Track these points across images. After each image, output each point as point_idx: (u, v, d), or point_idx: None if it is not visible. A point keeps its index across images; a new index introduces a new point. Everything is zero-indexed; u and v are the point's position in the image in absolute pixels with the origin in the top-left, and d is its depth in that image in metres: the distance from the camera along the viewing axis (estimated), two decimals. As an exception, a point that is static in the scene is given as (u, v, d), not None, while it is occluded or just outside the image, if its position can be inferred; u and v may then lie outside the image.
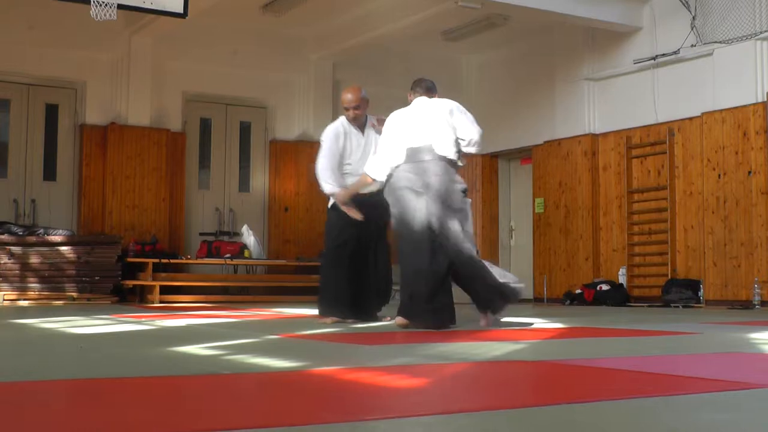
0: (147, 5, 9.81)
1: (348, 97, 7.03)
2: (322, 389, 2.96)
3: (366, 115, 7.13)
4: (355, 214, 6.80)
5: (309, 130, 13.96)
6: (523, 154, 14.97)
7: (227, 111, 14.28)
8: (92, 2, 9.18)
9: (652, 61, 12.43)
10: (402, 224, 6.28)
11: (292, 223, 14.28)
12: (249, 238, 13.37)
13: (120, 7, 9.42)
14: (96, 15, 9.21)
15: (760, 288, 10.84)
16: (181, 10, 9.97)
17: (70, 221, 12.89)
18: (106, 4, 9.21)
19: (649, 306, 11.87)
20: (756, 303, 10.79)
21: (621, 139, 12.94)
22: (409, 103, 6.66)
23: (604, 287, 12.41)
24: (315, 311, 7.40)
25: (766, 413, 2.49)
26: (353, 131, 7.08)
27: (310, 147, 13.93)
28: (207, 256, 12.98)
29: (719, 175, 11.49)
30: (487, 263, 6.56)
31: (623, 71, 12.94)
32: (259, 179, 14.42)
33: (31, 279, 11.46)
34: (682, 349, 4.80)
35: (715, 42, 11.54)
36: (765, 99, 11.05)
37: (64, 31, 12.56)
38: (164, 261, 12.43)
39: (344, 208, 6.84)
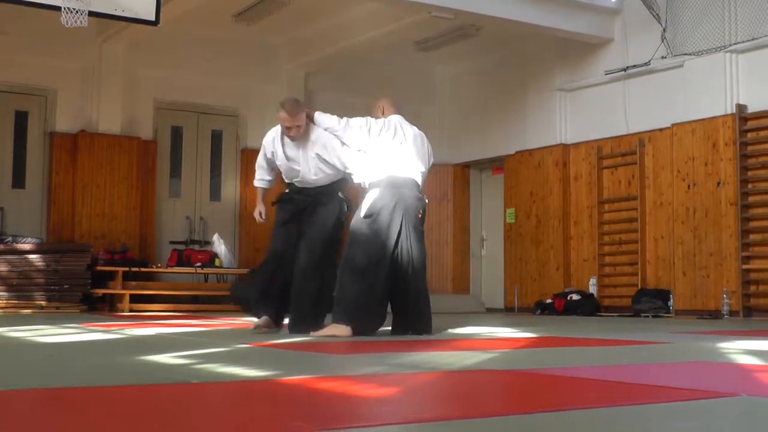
0: (118, 12, 9.77)
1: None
2: (293, 398, 2.95)
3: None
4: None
5: (281, 139, 13.89)
6: (495, 164, 15.02)
7: (199, 119, 14.23)
8: (63, 9, 9.13)
9: (623, 73, 12.51)
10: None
11: (263, 231, 14.20)
12: (220, 246, 13.32)
13: (91, 14, 9.37)
14: (67, 22, 9.15)
15: (728, 298, 10.92)
16: (152, 17, 9.93)
17: (39, 229, 12.78)
18: (77, 11, 9.15)
19: (619, 316, 11.93)
20: (725, 313, 10.88)
21: (592, 150, 13.01)
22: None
23: (575, 297, 12.46)
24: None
25: (733, 421, 2.50)
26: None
27: (282, 156, 13.97)
28: (177, 265, 12.91)
29: (689, 186, 11.58)
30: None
31: (594, 82, 13.02)
32: (230, 188, 14.38)
33: (-1, 287, 11.36)
34: (651, 358, 4.83)
35: (686, 54, 11.64)
36: (734, 110, 11.16)
37: (35, 37, 12.47)
38: (134, 269, 12.36)
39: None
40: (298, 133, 6.71)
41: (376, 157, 6.62)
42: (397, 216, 6.45)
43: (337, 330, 6.30)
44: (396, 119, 6.80)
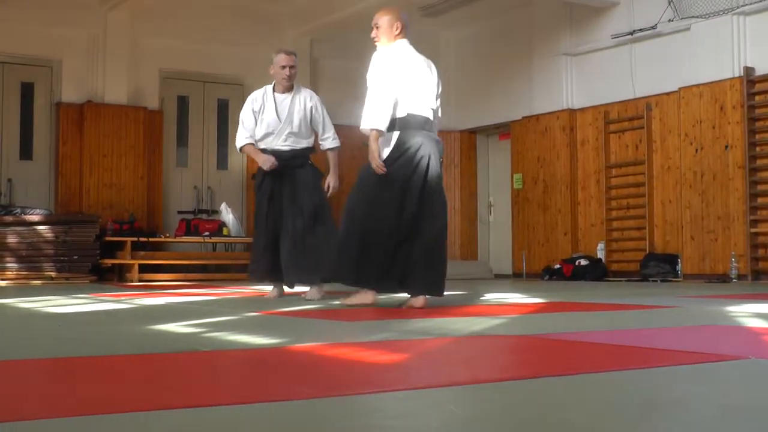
0: (122, -18, 9.73)
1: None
2: (303, 365, 2.96)
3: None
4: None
5: (287, 107, 13.86)
6: (502, 130, 14.98)
7: (204, 88, 14.20)
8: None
9: (630, 36, 12.44)
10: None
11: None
12: (227, 215, 13.34)
13: (95, -17, 9.34)
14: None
15: (736, 262, 10.92)
16: (156, -14, 9.89)
17: (48, 200, 12.81)
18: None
19: (627, 280, 11.94)
20: (733, 276, 10.88)
21: (599, 114, 12.97)
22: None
23: (583, 262, 12.47)
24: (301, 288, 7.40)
25: (740, 384, 2.51)
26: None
27: (289, 124, 13.94)
28: (185, 234, 12.95)
29: (696, 150, 11.54)
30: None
31: (601, 46, 12.95)
32: (237, 156, 14.35)
33: (9, 259, 11.40)
34: (659, 322, 4.83)
35: (693, 17, 11.56)
36: (742, 73, 11.10)
37: (40, 7, 12.44)
38: (142, 239, 12.40)
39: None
40: (294, 75, 7.22)
41: (396, 96, 5.86)
42: (423, 161, 5.78)
43: (364, 298, 5.94)
44: (409, 48, 6.15)
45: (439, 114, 6.11)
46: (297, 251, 7.01)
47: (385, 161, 5.75)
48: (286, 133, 7.16)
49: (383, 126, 5.77)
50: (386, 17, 6.26)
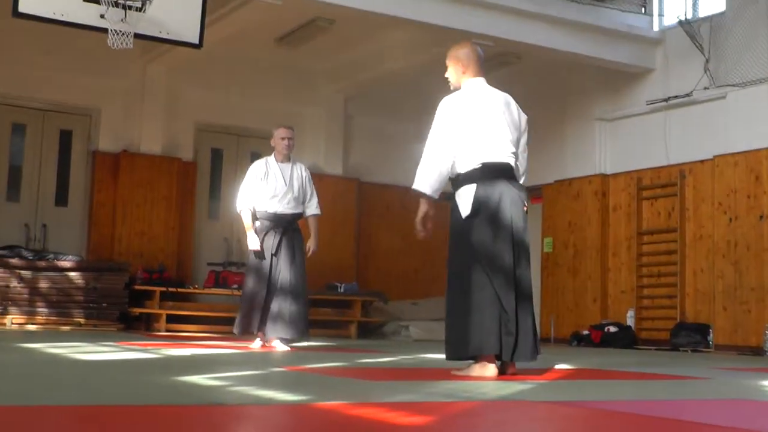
0: (163, 35, 9.87)
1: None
2: (327, 424, 2.93)
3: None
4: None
5: (319, 163, 13.96)
6: (534, 193, 14.91)
7: (238, 142, 14.32)
8: (109, 31, 9.25)
9: (665, 103, 12.44)
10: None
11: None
12: (257, 269, 13.33)
13: (137, 36, 9.49)
14: (113, 44, 9.29)
15: (769, 334, 10.76)
16: (196, 40, 10.03)
17: (80, 247, 12.90)
18: (123, 33, 9.28)
19: (657, 349, 11.80)
20: (767, 349, 10.71)
21: (632, 180, 12.93)
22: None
23: (612, 329, 12.34)
24: (319, 342, 7.37)
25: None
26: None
27: (320, 180, 13.94)
28: (214, 286, 12.95)
29: (730, 219, 11.46)
30: None
31: (635, 112, 12.95)
32: (269, 210, 14.42)
33: (40, 303, 11.46)
34: (690, 394, 4.76)
35: (729, 85, 11.56)
36: (777, 144, 11.05)
37: (80, 57, 12.64)
38: (171, 290, 12.41)
39: None
40: (292, 146, 8.40)
41: (467, 140, 5.34)
42: (506, 213, 5.34)
43: (483, 369, 5.09)
44: (479, 88, 5.67)
45: (525, 157, 5.72)
46: (294, 307, 8.12)
47: (467, 217, 5.23)
48: (289, 197, 8.27)
49: (428, 190, 5.26)
50: (448, 56, 5.79)
